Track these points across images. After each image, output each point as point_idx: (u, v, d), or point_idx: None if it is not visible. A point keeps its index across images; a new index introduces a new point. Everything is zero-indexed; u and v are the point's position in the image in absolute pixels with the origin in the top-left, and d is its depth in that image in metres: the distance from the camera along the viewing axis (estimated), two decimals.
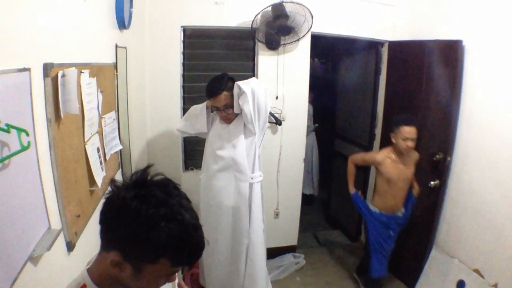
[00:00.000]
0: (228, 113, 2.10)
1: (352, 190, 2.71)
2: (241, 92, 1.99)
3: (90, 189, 1.51)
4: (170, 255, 0.70)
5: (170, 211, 0.69)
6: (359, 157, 2.76)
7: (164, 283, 0.77)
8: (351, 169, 2.70)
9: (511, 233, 2.05)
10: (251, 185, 2.17)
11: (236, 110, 2.08)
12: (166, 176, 0.76)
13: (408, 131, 2.35)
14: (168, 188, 0.73)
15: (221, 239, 2.23)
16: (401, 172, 2.48)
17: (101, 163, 1.62)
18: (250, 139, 2.14)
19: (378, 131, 3.22)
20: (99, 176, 1.56)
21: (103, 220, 0.73)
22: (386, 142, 3.10)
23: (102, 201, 0.75)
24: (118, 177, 2.05)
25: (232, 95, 2.05)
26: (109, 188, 0.73)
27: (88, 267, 0.78)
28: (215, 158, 2.17)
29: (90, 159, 1.46)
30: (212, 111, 2.19)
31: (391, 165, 2.48)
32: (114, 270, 0.71)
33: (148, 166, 0.74)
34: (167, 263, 0.70)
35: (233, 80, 2.10)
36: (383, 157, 2.50)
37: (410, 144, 2.37)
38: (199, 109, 2.23)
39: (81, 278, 0.77)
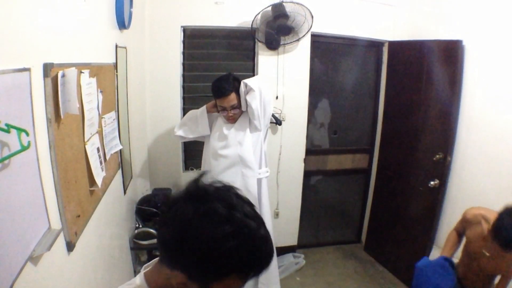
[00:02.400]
0: (234, 113, 2.12)
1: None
2: (249, 89, 2.02)
3: (90, 189, 1.51)
4: (240, 270, 0.66)
5: (236, 227, 0.63)
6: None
7: None
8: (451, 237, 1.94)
9: None
10: (259, 180, 2.20)
11: (243, 108, 2.10)
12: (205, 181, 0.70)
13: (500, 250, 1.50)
14: (230, 199, 0.67)
15: None
16: (483, 258, 1.66)
17: (101, 163, 1.62)
18: (256, 135, 2.17)
19: (378, 131, 3.22)
20: (99, 176, 1.56)
21: (164, 243, 0.67)
22: (386, 143, 3.11)
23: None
24: (118, 176, 2.05)
25: (239, 95, 2.08)
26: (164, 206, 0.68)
27: (145, 271, 0.75)
28: (220, 157, 2.17)
29: (90, 159, 1.46)
30: (217, 111, 2.20)
31: (477, 238, 1.69)
32: (177, 286, 0.68)
33: (202, 174, 0.69)
34: (237, 278, 0.66)
35: (238, 80, 2.12)
36: (478, 216, 1.71)
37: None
38: (198, 112, 2.24)
39: (139, 281, 0.74)
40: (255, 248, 0.65)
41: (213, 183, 0.69)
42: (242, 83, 2.06)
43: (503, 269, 1.63)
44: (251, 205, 0.70)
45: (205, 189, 0.67)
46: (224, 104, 2.09)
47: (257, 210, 0.71)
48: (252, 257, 0.65)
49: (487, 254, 1.63)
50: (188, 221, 0.63)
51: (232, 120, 2.16)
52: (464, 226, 1.82)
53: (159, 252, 0.71)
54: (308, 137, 3.08)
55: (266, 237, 0.68)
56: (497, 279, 1.75)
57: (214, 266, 0.64)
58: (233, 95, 2.07)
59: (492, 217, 1.59)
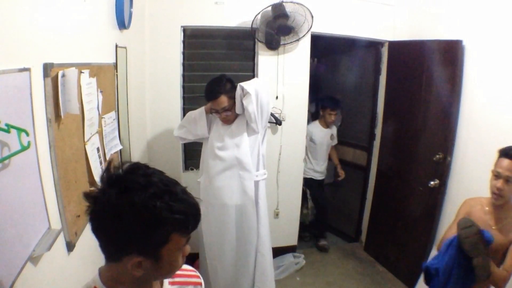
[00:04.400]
0: (226, 115, 2.11)
1: None
2: (245, 93, 2.01)
3: (90, 189, 1.50)
4: (178, 226, 0.71)
5: (157, 188, 0.69)
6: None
7: (183, 260, 0.78)
8: None
9: None
10: (256, 183, 2.20)
11: (238, 111, 2.10)
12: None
13: (505, 166, 1.60)
14: (141, 169, 0.73)
15: (227, 239, 2.23)
16: (493, 221, 1.70)
17: (101, 163, 1.62)
18: (253, 138, 2.16)
19: (378, 131, 3.22)
20: (99, 176, 1.56)
21: (104, 234, 0.71)
22: (386, 143, 3.11)
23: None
24: None
25: (230, 97, 2.07)
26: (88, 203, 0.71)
27: (100, 270, 0.77)
28: (217, 159, 2.17)
29: (90, 159, 1.46)
30: (211, 113, 2.20)
31: (479, 216, 1.73)
32: (137, 271, 0.71)
33: (109, 162, 0.73)
34: (177, 235, 0.72)
35: (231, 81, 2.11)
36: (475, 202, 1.81)
37: (500, 185, 1.60)
38: (197, 114, 2.23)
39: (92, 282, 0.76)
40: (181, 202, 0.70)
41: (118, 167, 0.73)
42: (238, 86, 2.04)
43: (509, 235, 1.65)
44: (158, 170, 0.75)
45: (116, 174, 0.72)
46: (215, 106, 2.09)
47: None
48: (182, 210, 0.70)
49: (493, 226, 1.69)
50: (116, 202, 0.67)
51: (226, 122, 2.16)
52: (465, 215, 1.81)
53: (103, 252, 0.73)
54: None
55: (185, 190, 0.74)
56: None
57: (155, 229, 0.68)
58: (223, 98, 2.06)
59: (487, 200, 1.74)
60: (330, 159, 3.51)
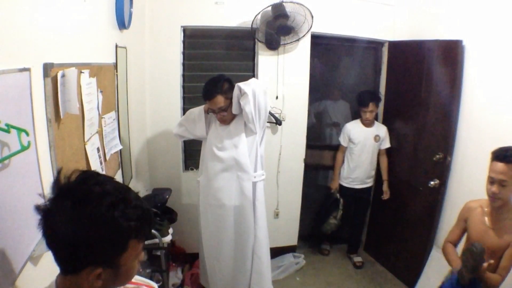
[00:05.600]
0: (222, 115, 2.11)
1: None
2: (242, 93, 2.00)
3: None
4: (134, 233, 0.71)
5: (113, 197, 0.68)
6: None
7: (139, 266, 0.79)
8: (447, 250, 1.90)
9: None
10: (254, 184, 2.19)
11: (235, 111, 2.10)
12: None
13: (498, 170, 1.59)
14: (94, 177, 0.72)
15: (225, 239, 2.23)
16: (488, 236, 1.69)
17: (101, 163, 1.62)
18: (251, 138, 2.15)
19: None
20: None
21: (61, 247, 0.69)
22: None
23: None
24: (118, 177, 2.05)
25: (227, 98, 2.07)
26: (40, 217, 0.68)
27: (57, 283, 0.75)
28: (216, 159, 2.17)
29: (90, 159, 1.46)
30: (207, 113, 2.20)
31: (478, 217, 1.76)
32: (96, 283, 0.70)
33: (59, 172, 0.71)
34: (134, 242, 0.72)
35: (230, 81, 2.11)
36: (475, 205, 1.80)
37: (495, 189, 1.60)
38: (196, 114, 2.24)
39: None
40: (134, 208, 0.71)
41: (68, 176, 0.70)
42: (236, 86, 2.03)
43: (506, 236, 1.64)
44: (106, 176, 0.76)
45: (68, 183, 0.70)
46: (211, 106, 2.10)
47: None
48: (136, 217, 0.70)
49: (490, 226, 1.69)
50: (72, 214, 0.66)
51: (222, 122, 2.16)
52: (465, 218, 1.84)
53: (59, 265, 0.72)
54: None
55: (137, 196, 0.75)
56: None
57: (114, 239, 0.68)
58: (219, 98, 2.05)
59: (487, 201, 1.72)
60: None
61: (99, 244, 0.67)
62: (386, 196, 3.00)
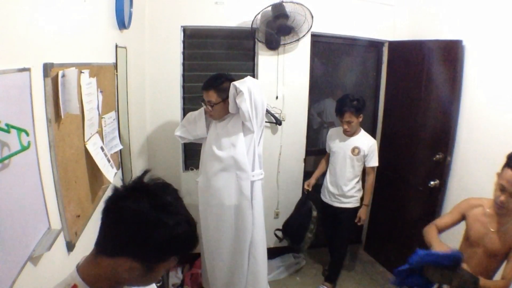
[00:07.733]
0: (209, 109, 2.14)
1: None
2: (238, 92, 2.01)
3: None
4: (180, 252, 0.77)
5: (183, 216, 0.75)
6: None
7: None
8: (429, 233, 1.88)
9: None
10: (252, 183, 2.19)
11: (232, 110, 2.11)
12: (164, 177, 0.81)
13: (510, 179, 1.49)
14: (175, 193, 0.79)
15: (224, 239, 2.23)
16: (489, 238, 1.64)
17: (109, 160, 1.62)
18: (249, 137, 2.16)
19: (378, 131, 3.22)
20: (110, 173, 1.60)
21: (118, 231, 0.73)
22: (386, 143, 3.11)
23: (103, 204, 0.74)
24: (118, 177, 2.05)
25: (220, 96, 2.10)
26: (110, 195, 0.74)
27: (78, 267, 0.79)
28: (215, 159, 2.17)
29: (95, 158, 1.46)
30: (201, 101, 2.22)
31: (479, 218, 1.70)
32: (126, 274, 0.73)
33: (146, 171, 0.78)
34: (174, 258, 0.77)
35: (230, 80, 2.11)
36: (477, 203, 1.76)
37: (504, 199, 1.52)
38: (196, 114, 2.26)
39: (70, 278, 0.77)
40: (192, 233, 0.77)
41: (154, 180, 0.78)
42: (231, 85, 2.03)
43: (509, 240, 1.58)
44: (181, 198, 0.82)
45: (154, 185, 0.77)
46: (204, 97, 2.15)
47: (194, 208, 0.82)
48: (190, 241, 0.77)
49: (492, 229, 1.64)
50: (145, 213, 0.71)
51: (210, 116, 2.20)
52: (464, 213, 1.79)
53: (101, 244, 0.76)
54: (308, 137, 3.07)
55: (195, 222, 0.80)
56: (498, 275, 1.72)
57: (165, 249, 0.74)
58: (212, 93, 2.10)
59: (489, 202, 1.67)
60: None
61: (151, 245, 0.71)
62: (360, 222, 2.64)
